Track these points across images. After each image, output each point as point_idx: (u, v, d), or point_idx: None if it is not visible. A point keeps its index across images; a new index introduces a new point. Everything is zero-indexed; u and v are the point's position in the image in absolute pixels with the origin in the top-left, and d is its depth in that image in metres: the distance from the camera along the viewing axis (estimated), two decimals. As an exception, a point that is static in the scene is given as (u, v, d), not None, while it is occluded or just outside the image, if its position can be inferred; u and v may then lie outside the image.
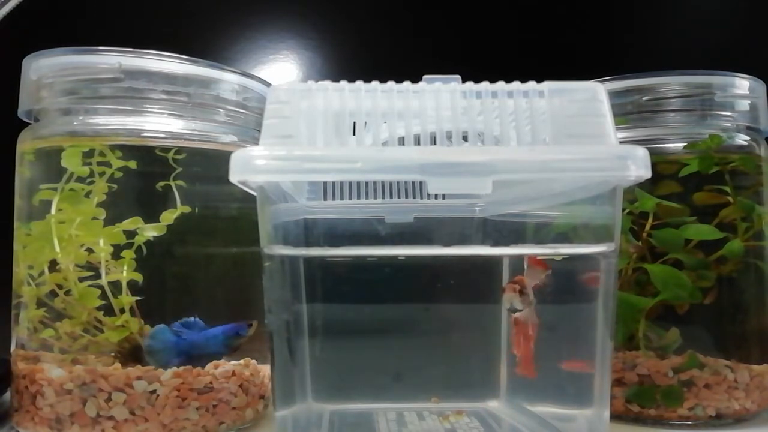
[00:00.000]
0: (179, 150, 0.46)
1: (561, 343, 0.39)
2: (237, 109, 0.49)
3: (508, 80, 0.34)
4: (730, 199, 0.49)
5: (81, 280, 0.44)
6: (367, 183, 0.45)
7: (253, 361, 0.49)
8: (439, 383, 0.44)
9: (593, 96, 0.34)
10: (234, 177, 0.30)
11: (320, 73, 0.80)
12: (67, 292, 0.44)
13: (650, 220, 0.50)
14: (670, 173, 0.50)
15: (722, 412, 0.48)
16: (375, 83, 0.34)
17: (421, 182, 0.45)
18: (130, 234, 0.45)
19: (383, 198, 0.45)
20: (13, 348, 0.46)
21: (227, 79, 0.48)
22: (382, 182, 0.45)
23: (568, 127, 0.34)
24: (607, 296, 0.35)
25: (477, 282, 0.45)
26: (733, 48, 0.78)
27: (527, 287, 0.38)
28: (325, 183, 0.44)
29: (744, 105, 0.52)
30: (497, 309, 0.45)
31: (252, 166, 0.30)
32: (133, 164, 0.45)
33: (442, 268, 0.43)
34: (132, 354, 0.45)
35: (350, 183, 0.45)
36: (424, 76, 0.35)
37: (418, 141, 0.33)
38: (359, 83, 0.34)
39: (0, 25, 0.69)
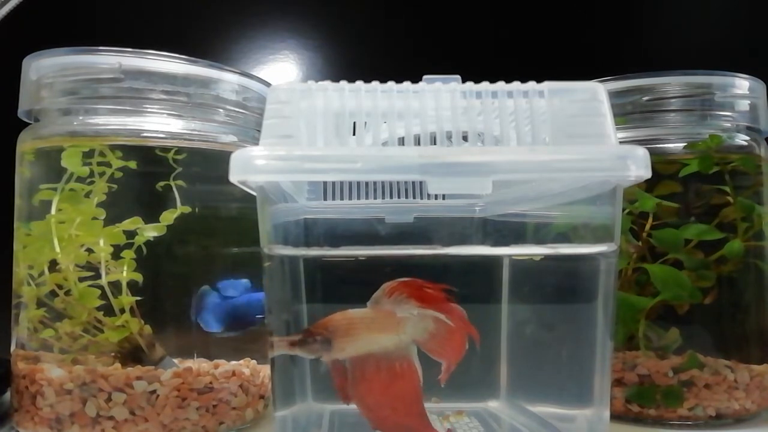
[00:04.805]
0: (179, 150, 0.46)
1: (561, 343, 0.39)
2: (237, 109, 0.49)
3: (508, 80, 0.34)
4: (730, 199, 0.49)
5: (81, 280, 0.44)
6: (367, 183, 0.45)
7: (253, 361, 0.49)
8: (439, 383, 0.44)
9: (593, 96, 0.34)
10: (234, 177, 0.30)
11: (320, 74, 0.80)
12: (67, 292, 0.44)
13: (650, 220, 0.50)
14: (670, 173, 0.50)
15: (722, 412, 0.48)
16: (375, 83, 0.33)
17: (421, 182, 0.45)
18: (130, 234, 0.45)
19: (383, 198, 0.45)
20: (13, 348, 0.46)
21: (227, 79, 0.48)
22: (382, 182, 0.45)
23: (568, 127, 0.34)
24: (607, 296, 0.35)
25: (477, 282, 0.45)
26: (733, 48, 0.78)
27: (305, 336, 0.35)
28: (325, 183, 0.44)
29: (744, 105, 0.52)
30: (497, 309, 0.45)
31: (252, 166, 0.30)
32: (133, 164, 0.45)
33: (442, 269, 0.43)
34: (132, 354, 0.45)
35: (350, 183, 0.44)
36: (424, 76, 0.35)
37: (418, 141, 0.32)
38: (359, 83, 0.33)
39: (0, 25, 0.69)
